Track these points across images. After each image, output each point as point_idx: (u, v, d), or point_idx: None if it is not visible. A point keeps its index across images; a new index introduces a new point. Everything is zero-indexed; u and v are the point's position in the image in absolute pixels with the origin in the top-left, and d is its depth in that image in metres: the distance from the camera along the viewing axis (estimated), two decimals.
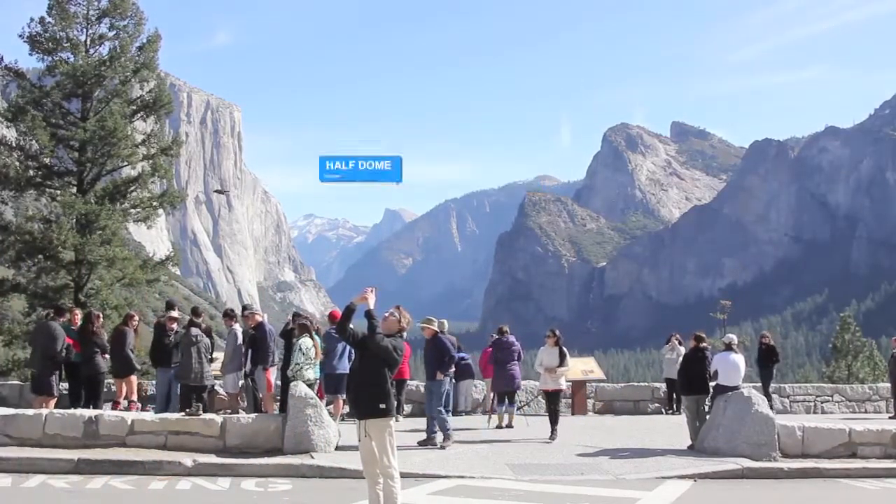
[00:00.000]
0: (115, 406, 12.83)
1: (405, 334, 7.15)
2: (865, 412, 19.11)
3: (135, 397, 13.43)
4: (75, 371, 12.91)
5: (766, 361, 18.16)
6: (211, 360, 12.96)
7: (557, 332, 13.36)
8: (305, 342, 11.64)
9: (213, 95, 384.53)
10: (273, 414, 11.60)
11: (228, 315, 13.76)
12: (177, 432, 10.09)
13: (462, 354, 16.62)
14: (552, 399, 12.98)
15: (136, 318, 13.94)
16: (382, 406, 6.54)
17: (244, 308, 14.32)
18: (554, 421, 12.67)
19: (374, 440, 6.56)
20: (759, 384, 17.71)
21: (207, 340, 12.80)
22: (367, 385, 6.62)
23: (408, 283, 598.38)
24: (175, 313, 13.84)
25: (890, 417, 17.51)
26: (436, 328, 11.89)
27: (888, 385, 19.83)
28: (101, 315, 13.88)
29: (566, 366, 13.21)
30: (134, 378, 13.50)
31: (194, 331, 12.65)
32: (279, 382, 12.74)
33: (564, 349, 13.19)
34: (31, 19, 20.17)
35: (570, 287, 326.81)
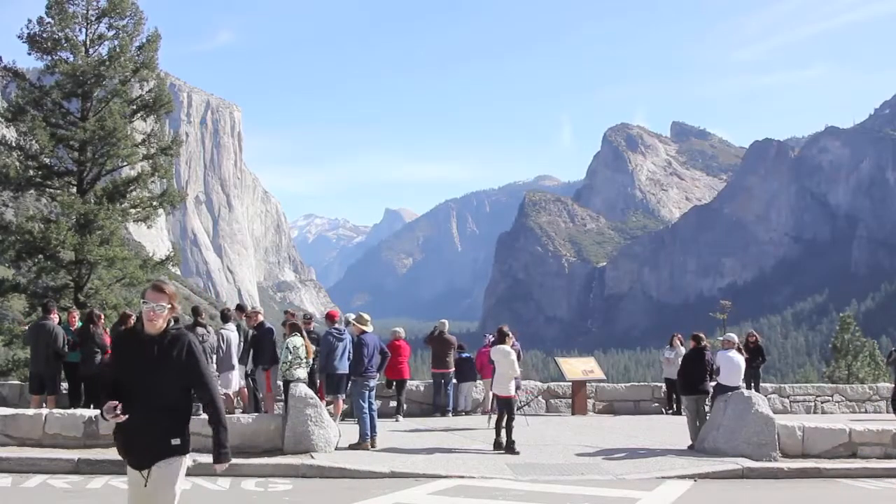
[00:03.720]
0: None
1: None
2: (865, 412, 19.11)
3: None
4: (74, 371, 12.94)
5: (751, 361, 18.08)
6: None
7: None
8: (293, 340, 11.64)
9: (213, 95, 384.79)
10: (273, 414, 11.60)
11: (224, 315, 13.88)
12: None
13: (465, 355, 16.65)
14: (511, 407, 11.49)
15: (133, 316, 13.93)
16: (176, 442, 4.51)
17: (238, 307, 14.37)
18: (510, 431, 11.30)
19: (153, 485, 4.44)
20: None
21: (213, 339, 12.80)
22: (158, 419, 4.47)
23: (408, 283, 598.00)
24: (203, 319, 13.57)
25: None
26: (364, 327, 11.65)
27: (888, 385, 19.83)
28: (103, 315, 13.89)
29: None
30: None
31: (200, 330, 12.66)
32: (280, 382, 12.75)
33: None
34: (30, 20, 20.18)
35: (570, 287, 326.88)
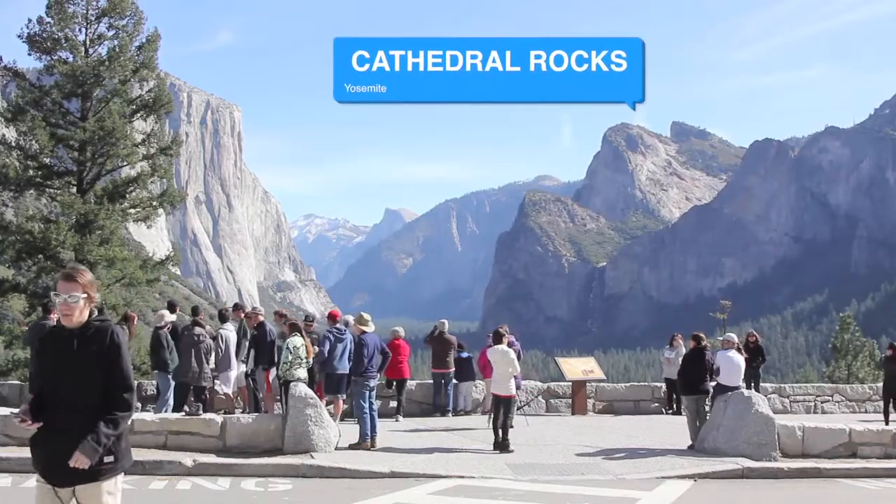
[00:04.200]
0: None
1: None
2: (865, 412, 19.09)
3: None
4: None
5: (751, 361, 18.07)
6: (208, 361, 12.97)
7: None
8: (294, 341, 11.64)
9: (213, 95, 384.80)
10: (273, 414, 11.60)
11: (222, 315, 13.92)
12: (177, 432, 10.08)
13: (465, 354, 16.65)
14: (510, 406, 11.66)
15: (136, 316, 13.97)
16: (109, 459, 3.93)
17: (236, 306, 14.38)
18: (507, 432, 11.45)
19: None
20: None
21: (210, 341, 12.80)
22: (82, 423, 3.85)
23: (408, 283, 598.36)
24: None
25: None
26: (364, 327, 11.68)
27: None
28: None
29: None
30: None
31: (198, 330, 12.67)
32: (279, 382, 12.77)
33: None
34: (30, 20, 20.21)
35: (570, 287, 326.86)
